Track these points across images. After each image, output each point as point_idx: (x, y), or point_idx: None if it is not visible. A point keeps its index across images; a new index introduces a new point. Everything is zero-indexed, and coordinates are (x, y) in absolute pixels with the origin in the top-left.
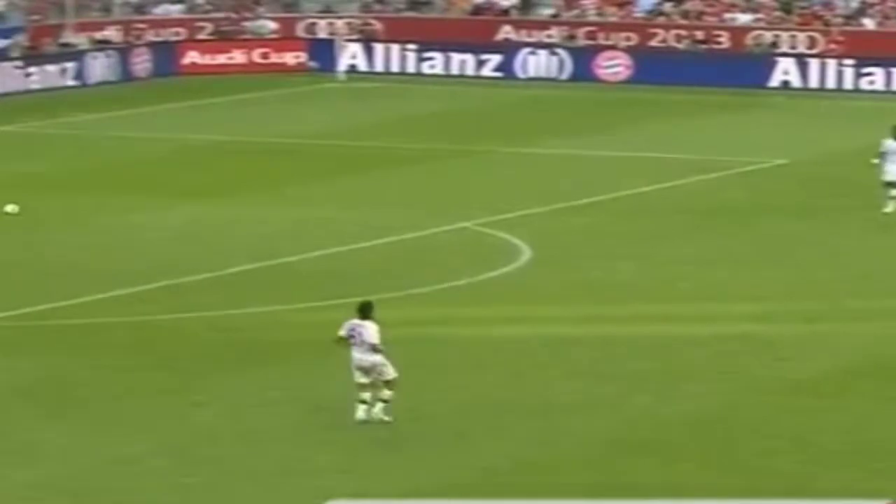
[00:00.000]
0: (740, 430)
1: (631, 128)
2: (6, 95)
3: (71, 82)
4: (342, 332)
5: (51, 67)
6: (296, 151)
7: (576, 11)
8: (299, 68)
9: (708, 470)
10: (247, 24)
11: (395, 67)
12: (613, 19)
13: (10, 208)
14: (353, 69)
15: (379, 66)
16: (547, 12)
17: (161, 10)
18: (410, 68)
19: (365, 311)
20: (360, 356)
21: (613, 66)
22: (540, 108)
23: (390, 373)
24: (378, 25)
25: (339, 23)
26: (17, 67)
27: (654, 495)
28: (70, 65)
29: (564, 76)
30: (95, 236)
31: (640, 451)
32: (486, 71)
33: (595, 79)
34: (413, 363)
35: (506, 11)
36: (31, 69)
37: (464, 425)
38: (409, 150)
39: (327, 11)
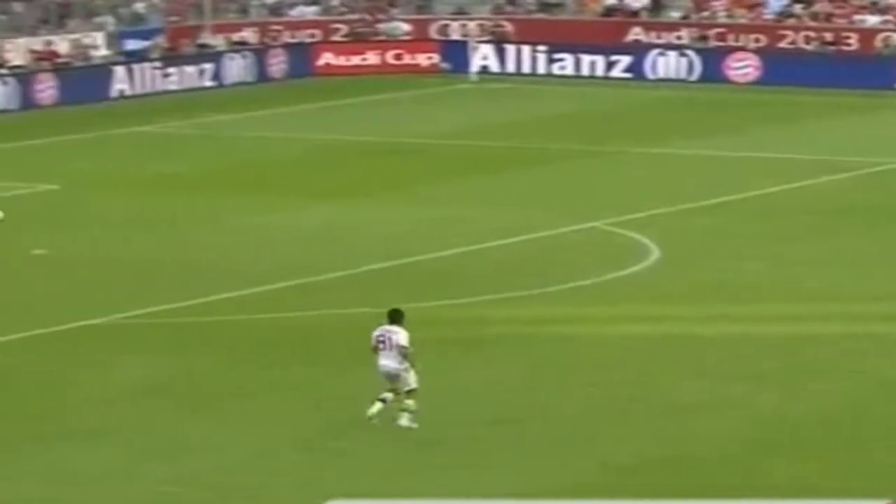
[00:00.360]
0: (870, 429)
1: (759, 129)
2: (145, 96)
3: (208, 83)
4: (375, 335)
5: (189, 68)
6: (427, 151)
7: (705, 13)
8: (432, 69)
9: (837, 470)
10: (381, 25)
11: (525, 69)
12: (743, 21)
13: None
14: (484, 70)
15: (510, 68)
16: (677, 14)
17: (297, 12)
18: (541, 69)
19: (395, 318)
20: (386, 362)
21: (743, 67)
22: (669, 108)
23: (412, 382)
24: (509, 27)
25: (472, 24)
26: (156, 68)
27: (782, 495)
28: (207, 66)
29: (693, 77)
30: (230, 236)
31: (768, 450)
32: (616, 72)
33: (724, 80)
34: (542, 362)
35: (636, 13)
36: (170, 70)
37: (591, 424)
38: (540, 150)
39: (460, 13)
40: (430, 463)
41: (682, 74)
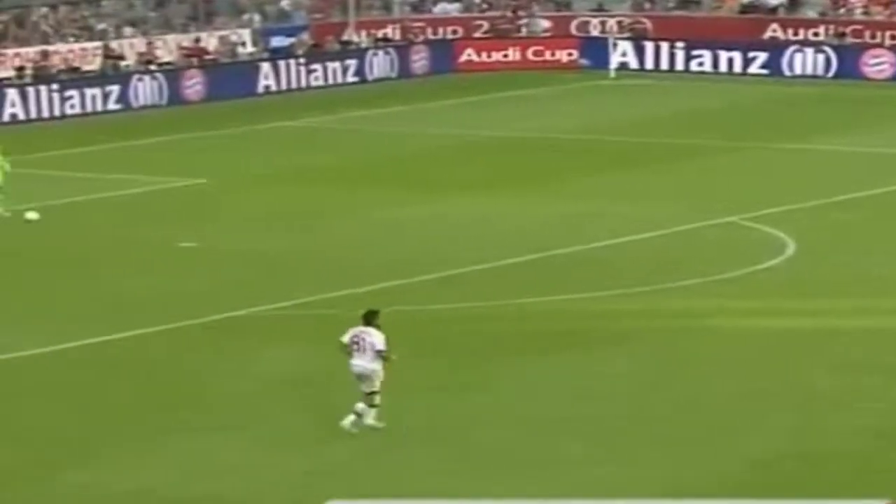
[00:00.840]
0: None
1: (895, 125)
2: (290, 91)
3: (351, 79)
4: (345, 339)
5: (332, 65)
6: (566, 147)
7: (842, 10)
8: (571, 66)
9: None
10: (521, 22)
11: (664, 65)
12: (879, 18)
13: (30, 216)
14: (623, 67)
15: (648, 64)
16: (814, 11)
17: (439, 9)
18: (679, 66)
19: (370, 319)
20: (359, 363)
21: (879, 64)
22: (806, 105)
23: (377, 385)
24: (648, 24)
25: (611, 21)
26: (300, 65)
27: None
28: (351, 62)
29: (830, 74)
30: (373, 229)
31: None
32: (753, 69)
33: (861, 76)
34: (680, 356)
35: (773, 10)
36: (314, 66)
37: (730, 419)
38: (679, 145)
39: (599, 10)
40: (559, 458)
41: (819, 71)
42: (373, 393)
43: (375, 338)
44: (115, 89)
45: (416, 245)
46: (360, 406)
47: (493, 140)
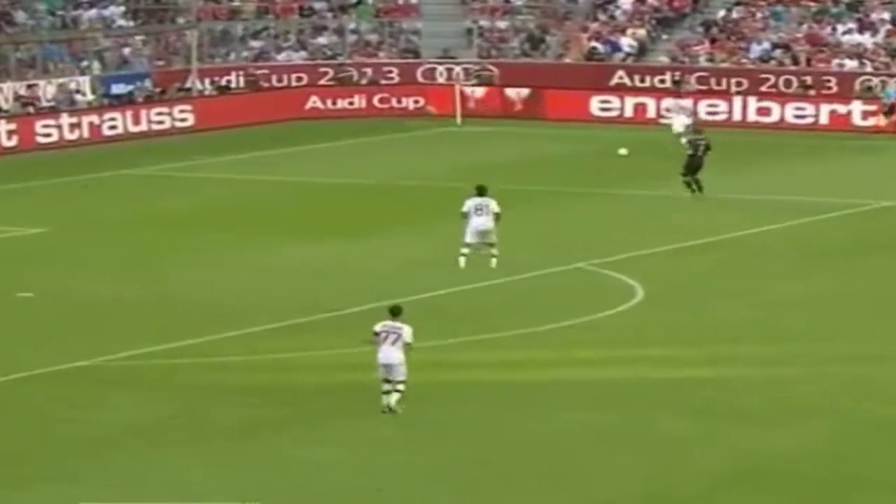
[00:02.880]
0: (848, 467)
1: None
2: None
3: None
4: (376, 329)
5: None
6: (412, 193)
7: (686, 59)
8: (419, 113)
9: None
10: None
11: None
12: (725, 65)
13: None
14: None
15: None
16: (663, 57)
17: (283, 57)
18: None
19: (397, 312)
20: (390, 355)
21: (717, 112)
22: (651, 150)
23: (405, 373)
24: (495, 71)
25: (457, 68)
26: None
27: None
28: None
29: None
30: (220, 275)
31: (742, 484)
32: (600, 114)
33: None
34: (524, 400)
35: (623, 58)
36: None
37: (576, 460)
38: (525, 191)
39: (445, 57)
40: None
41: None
42: (401, 381)
43: (405, 331)
44: None
45: (253, 292)
46: (391, 399)
47: (336, 186)
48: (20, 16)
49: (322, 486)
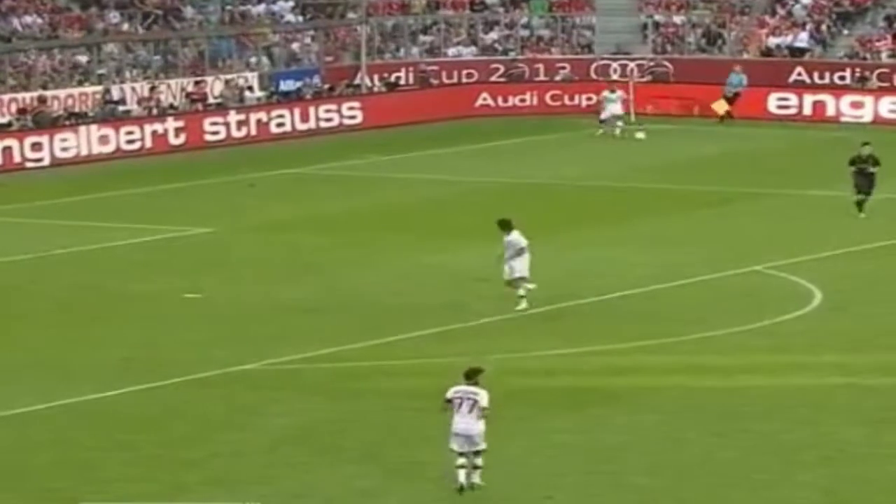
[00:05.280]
0: None
1: None
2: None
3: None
4: (448, 395)
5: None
6: (582, 194)
7: None
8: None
9: None
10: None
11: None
12: None
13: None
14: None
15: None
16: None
17: (454, 52)
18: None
19: (473, 376)
20: (466, 425)
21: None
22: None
23: (483, 444)
24: (671, 67)
25: (631, 64)
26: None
27: None
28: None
29: None
30: (400, 272)
31: None
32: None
33: None
34: (701, 410)
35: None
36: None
37: (753, 472)
38: (704, 192)
39: (619, 53)
40: None
41: None
42: (479, 452)
43: (481, 396)
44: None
45: (426, 295)
46: (473, 476)
47: (506, 186)
48: (188, 11)
49: (495, 491)
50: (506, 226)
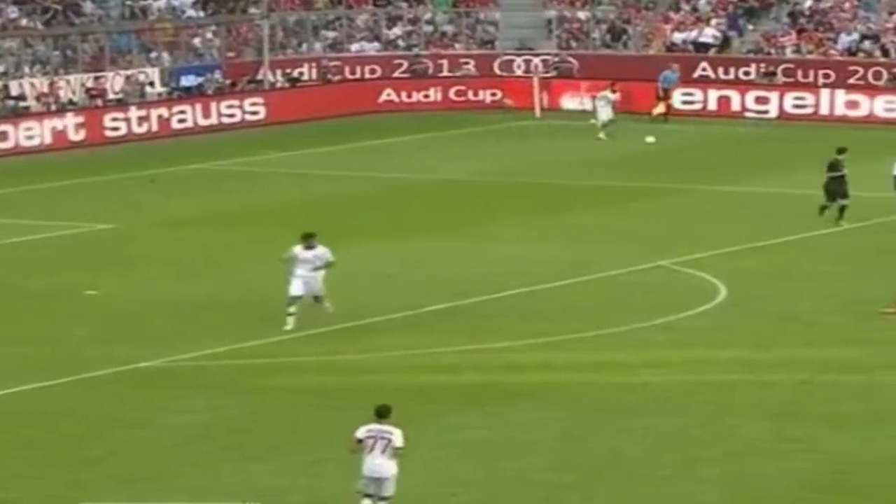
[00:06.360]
0: None
1: None
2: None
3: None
4: (359, 435)
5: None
6: (490, 190)
7: None
8: (495, 106)
9: None
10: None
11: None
12: None
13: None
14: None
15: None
16: None
17: (357, 48)
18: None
19: (385, 414)
20: (379, 467)
21: None
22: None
23: (392, 489)
24: (574, 63)
25: (535, 60)
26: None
27: None
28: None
29: None
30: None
31: (828, 491)
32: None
33: None
34: (606, 406)
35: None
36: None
37: (656, 469)
38: (616, 187)
39: (523, 49)
40: None
41: None
42: (388, 498)
43: (395, 436)
44: None
45: (340, 289)
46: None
47: (409, 182)
48: (88, 6)
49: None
50: (308, 239)
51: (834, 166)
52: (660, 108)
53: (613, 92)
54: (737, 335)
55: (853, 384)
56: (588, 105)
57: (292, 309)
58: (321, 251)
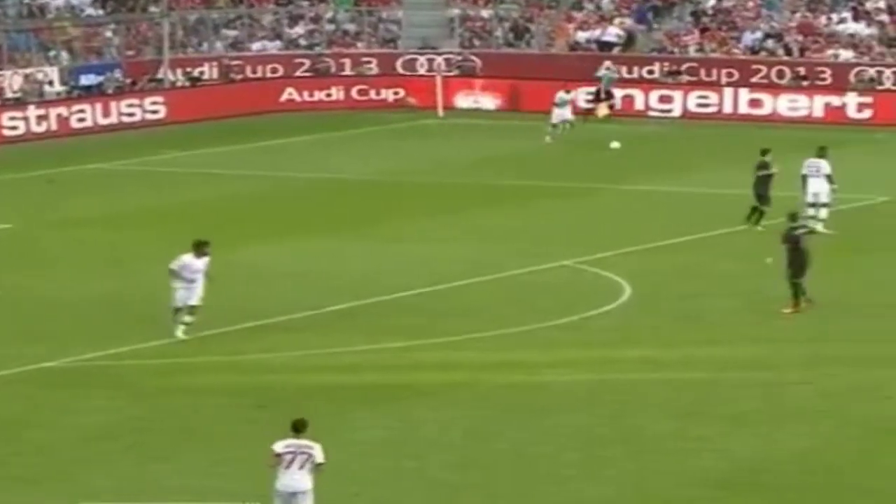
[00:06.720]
0: (846, 471)
1: None
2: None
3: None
4: (278, 449)
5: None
6: (389, 189)
7: None
8: (398, 105)
9: None
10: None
11: (498, 105)
12: None
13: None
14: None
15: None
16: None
17: (259, 47)
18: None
19: (302, 428)
20: (295, 483)
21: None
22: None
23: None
24: (478, 61)
25: (439, 59)
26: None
27: None
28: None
29: None
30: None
31: (731, 488)
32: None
33: None
34: (509, 406)
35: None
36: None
37: (561, 466)
38: (508, 187)
39: (426, 48)
40: None
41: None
42: None
43: (316, 451)
44: None
45: (225, 293)
46: None
47: (310, 182)
48: None
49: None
50: (201, 247)
51: (763, 166)
52: (603, 110)
53: (567, 92)
54: (641, 334)
55: (756, 382)
56: (483, 104)
57: (188, 318)
58: (207, 260)
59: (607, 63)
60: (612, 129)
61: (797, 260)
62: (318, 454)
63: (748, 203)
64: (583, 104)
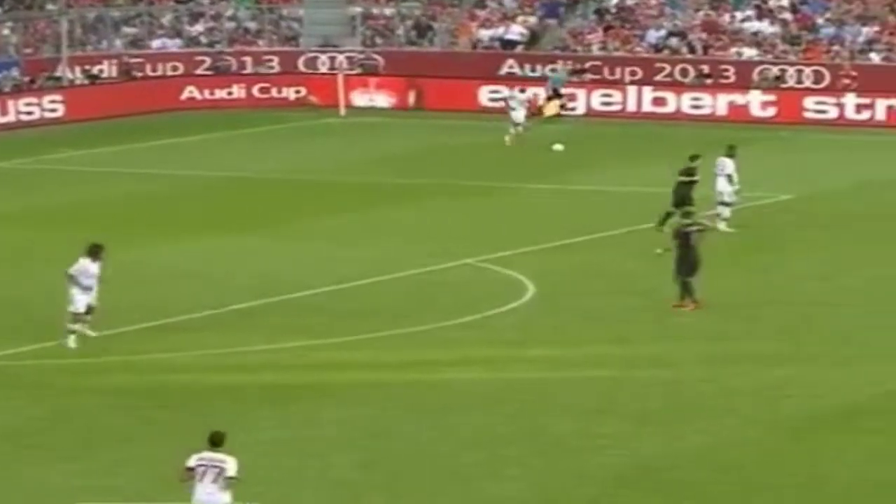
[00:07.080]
0: (749, 468)
1: None
2: None
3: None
4: (191, 464)
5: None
6: (293, 188)
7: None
8: (299, 103)
9: None
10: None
11: (397, 103)
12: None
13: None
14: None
15: (381, 102)
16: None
17: (158, 45)
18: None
19: (218, 441)
20: (206, 495)
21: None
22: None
23: None
24: (380, 60)
25: (340, 57)
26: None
27: None
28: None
29: None
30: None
31: (634, 487)
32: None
33: None
34: (414, 403)
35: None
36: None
37: (464, 466)
38: (409, 185)
39: (328, 46)
40: None
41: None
42: None
43: (228, 465)
44: None
45: (127, 292)
46: None
47: (211, 181)
48: None
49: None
50: (97, 251)
51: (688, 172)
52: (551, 109)
53: (522, 91)
54: (544, 333)
55: (659, 381)
56: (379, 102)
57: (78, 326)
58: (100, 264)
59: (558, 64)
60: (555, 129)
61: (687, 257)
62: (231, 468)
63: (652, 201)
64: (486, 102)
